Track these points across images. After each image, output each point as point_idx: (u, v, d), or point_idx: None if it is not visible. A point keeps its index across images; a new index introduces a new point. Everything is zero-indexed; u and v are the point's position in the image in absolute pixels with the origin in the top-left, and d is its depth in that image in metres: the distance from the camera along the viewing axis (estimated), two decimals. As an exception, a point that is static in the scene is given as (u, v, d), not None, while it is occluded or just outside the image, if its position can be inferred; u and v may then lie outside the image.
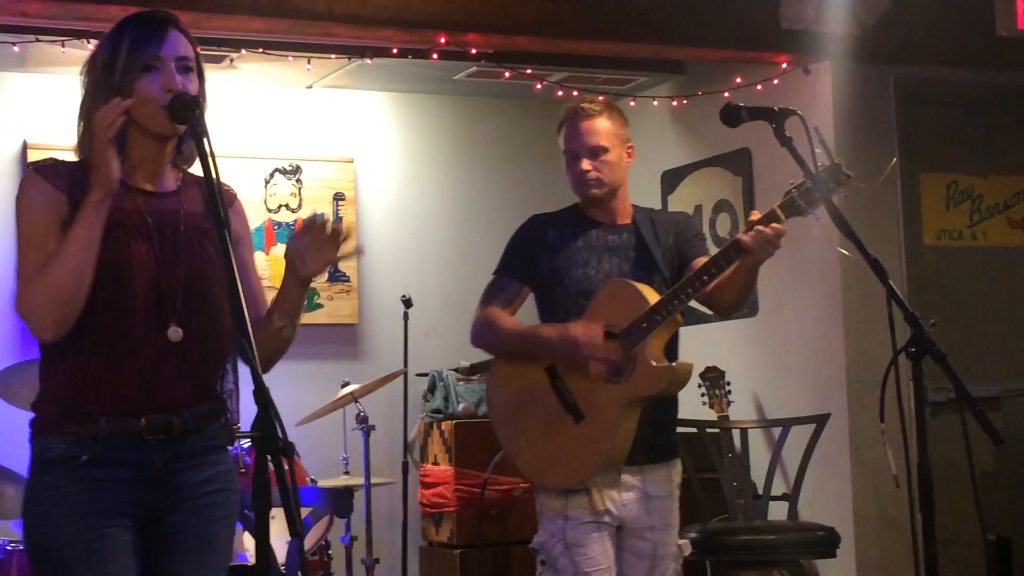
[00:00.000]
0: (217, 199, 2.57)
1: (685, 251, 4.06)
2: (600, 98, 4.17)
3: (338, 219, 2.88)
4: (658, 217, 4.15)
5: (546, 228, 4.08)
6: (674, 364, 3.89)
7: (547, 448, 3.96)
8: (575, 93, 6.65)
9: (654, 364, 3.85)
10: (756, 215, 3.70)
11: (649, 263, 4.02)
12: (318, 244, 2.87)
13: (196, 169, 2.87)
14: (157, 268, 2.81)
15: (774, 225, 3.65)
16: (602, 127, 4.02)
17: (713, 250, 3.92)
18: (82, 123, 2.86)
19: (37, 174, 2.82)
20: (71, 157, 2.90)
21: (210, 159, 2.60)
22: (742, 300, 3.94)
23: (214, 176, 2.60)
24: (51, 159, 2.87)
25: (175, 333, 2.81)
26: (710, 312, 4.26)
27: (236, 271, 2.53)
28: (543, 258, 4.04)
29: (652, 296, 3.88)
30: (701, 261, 3.94)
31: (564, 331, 3.88)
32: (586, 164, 4.00)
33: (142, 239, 2.82)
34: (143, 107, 2.79)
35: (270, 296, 3.01)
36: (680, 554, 4.07)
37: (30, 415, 2.88)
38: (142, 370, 2.80)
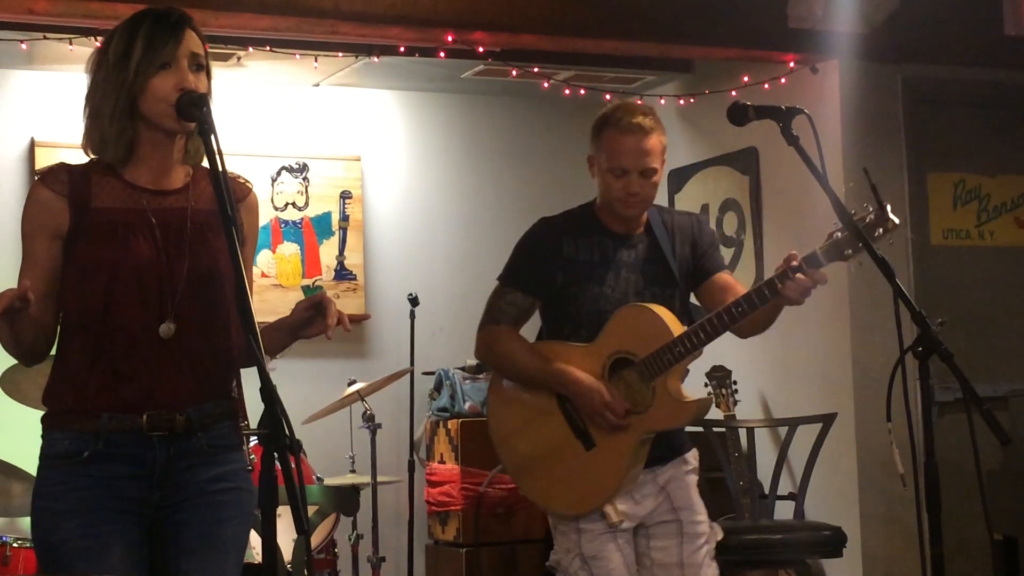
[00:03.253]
0: (225, 198, 2.57)
1: (703, 263, 3.88)
2: (639, 101, 3.95)
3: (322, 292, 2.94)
4: (672, 221, 3.92)
5: (560, 238, 3.83)
6: (698, 399, 3.78)
7: (552, 472, 3.82)
8: (582, 92, 6.65)
9: (678, 399, 3.71)
10: (795, 258, 3.49)
11: (665, 277, 3.83)
12: (321, 314, 2.91)
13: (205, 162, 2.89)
14: (159, 266, 2.82)
15: (812, 272, 3.46)
16: (656, 147, 3.78)
17: (726, 253, 3.85)
18: (88, 117, 2.87)
19: (39, 182, 2.88)
20: (78, 154, 2.92)
21: (217, 157, 2.61)
22: (764, 329, 3.82)
23: (221, 174, 2.60)
24: (58, 164, 2.90)
25: (167, 329, 2.81)
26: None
27: (243, 269, 2.53)
28: (559, 272, 3.81)
29: (674, 325, 3.72)
30: (723, 277, 3.85)
31: (595, 389, 3.72)
32: (635, 184, 3.75)
33: (144, 238, 2.83)
34: (155, 105, 2.81)
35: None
36: (714, 535, 3.88)
37: (36, 412, 2.90)
38: (144, 367, 2.81)
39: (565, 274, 3.80)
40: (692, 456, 3.93)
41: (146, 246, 2.82)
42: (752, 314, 3.63)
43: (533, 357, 3.83)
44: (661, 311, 3.75)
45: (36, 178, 2.90)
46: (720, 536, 3.91)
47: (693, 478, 3.91)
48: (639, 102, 3.99)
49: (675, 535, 3.82)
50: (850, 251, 3.45)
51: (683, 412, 3.75)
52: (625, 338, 3.74)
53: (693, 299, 3.97)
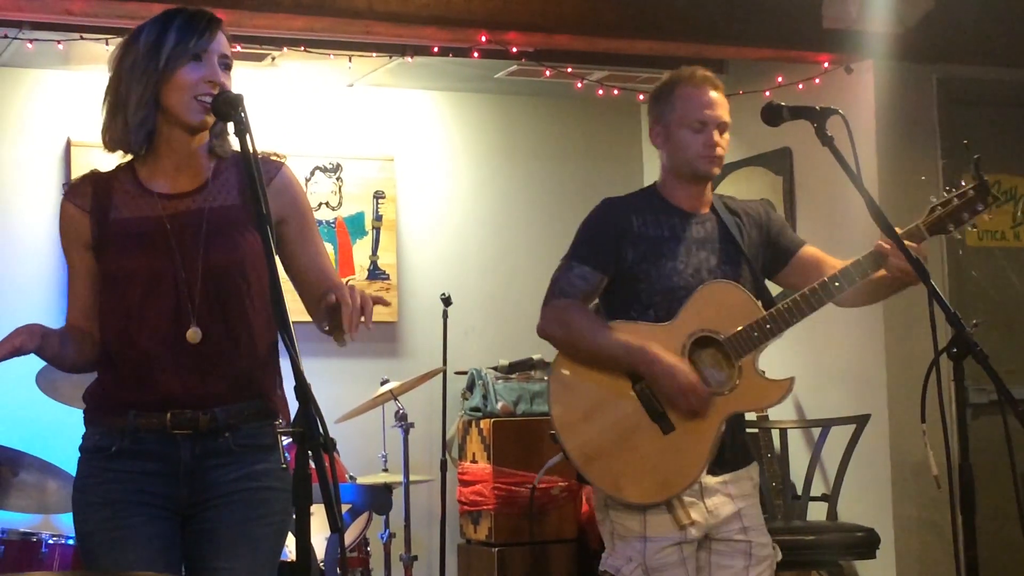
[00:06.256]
0: (260, 198, 2.56)
1: (781, 243, 3.74)
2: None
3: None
4: (737, 207, 3.78)
5: (629, 214, 3.65)
6: (787, 379, 3.61)
7: (626, 459, 3.56)
8: (615, 92, 6.65)
9: (766, 379, 3.59)
10: (897, 231, 3.39)
11: (736, 256, 3.67)
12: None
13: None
14: (174, 273, 2.84)
15: (910, 244, 3.37)
16: (727, 103, 3.71)
17: None
18: (108, 109, 2.89)
19: (64, 198, 2.95)
20: (113, 155, 2.94)
21: (253, 156, 2.61)
22: (871, 302, 3.70)
23: (256, 175, 2.60)
24: (85, 176, 2.96)
25: (194, 334, 2.83)
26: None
27: (275, 265, 2.53)
28: (627, 247, 3.62)
29: (759, 304, 3.61)
30: (809, 250, 3.72)
31: (679, 369, 3.51)
32: (715, 137, 3.64)
33: (158, 245, 2.85)
34: (180, 95, 2.82)
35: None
36: (776, 557, 3.70)
37: (71, 410, 2.94)
38: (168, 369, 2.84)
39: (636, 249, 3.63)
40: (755, 470, 3.76)
41: (160, 253, 2.85)
42: (850, 289, 3.53)
43: (610, 331, 3.59)
44: (745, 290, 3.63)
45: (63, 192, 2.98)
46: (780, 557, 3.73)
47: (757, 495, 3.74)
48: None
49: (743, 556, 3.62)
50: (952, 226, 3.51)
51: (772, 392, 3.61)
52: (708, 316, 3.58)
53: (775, 286, 3.81)
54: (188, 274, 2.84)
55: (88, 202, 2.89)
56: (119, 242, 2.86)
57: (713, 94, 3.68)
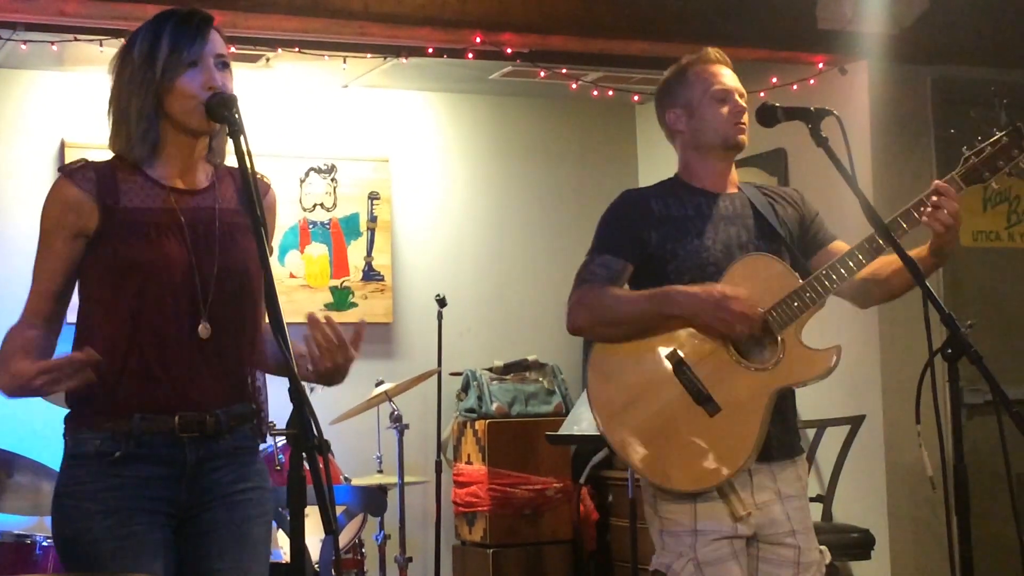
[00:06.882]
0: (255, 200, 2.56)
1: (816, 233, 3.62)
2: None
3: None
4: (769, 190, 3.68)
5: (648, 200, 3.53)
6: (834, 347, 3.43)
7: (673, 446, 3.38)
8: (610, 93, 6.65)
9: (811, 349, 3.41)
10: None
11: (771, 232, 3.53)
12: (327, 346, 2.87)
13: (229, 161, 2.90)
14: (190, 266, 2.82)
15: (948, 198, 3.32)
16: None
17: None
18: (114, 118, 2.87)
19: (64, 177, 2.84)
20: (108, 155, 2.92)
21: (247, 157, 2.61)
22: (899, 292, 3.51)
23: (251, 176, 2.60)
24: (82, 160, 2.89)
25: (204, 330, 2.81)
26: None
27: (271, 268, 2.53)
28: (649, 231, 3.48)
29: (796, 275, 3.44)
30: (840, 244, 3.55)
31: (707, 286, 3.35)
32: (741, 103, 3.55)
33: (174, 238, 2.82)
34: (183, 103, 2.81)
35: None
36: (823, 561, 3.49)
37: (66, 411, 2.90)
38: (175, 368, 2.81)
39: (659, 231, 3.49)
40: (805, 470, 3.58)
41: (177, 247, 2.82)
42: (888, 253, 3.34)
43: (636, 293, 3.44)
44: (782, 261, 3.48)
45: (60, 173, 2.85)
46: (828, 560, 3.53)
47: (807, 496, 3.57)
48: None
49: (791, 564, 3.43)
50: (988, 174, 3.43)
51: (818, 362, 3.41)
52: (746, 289, 3.40)
53: None
54: (202, 271, 2.82)
55: (94, 187, 2.81)
56: (129, 231, 2.80)
57: (727, 69, 3.63)
